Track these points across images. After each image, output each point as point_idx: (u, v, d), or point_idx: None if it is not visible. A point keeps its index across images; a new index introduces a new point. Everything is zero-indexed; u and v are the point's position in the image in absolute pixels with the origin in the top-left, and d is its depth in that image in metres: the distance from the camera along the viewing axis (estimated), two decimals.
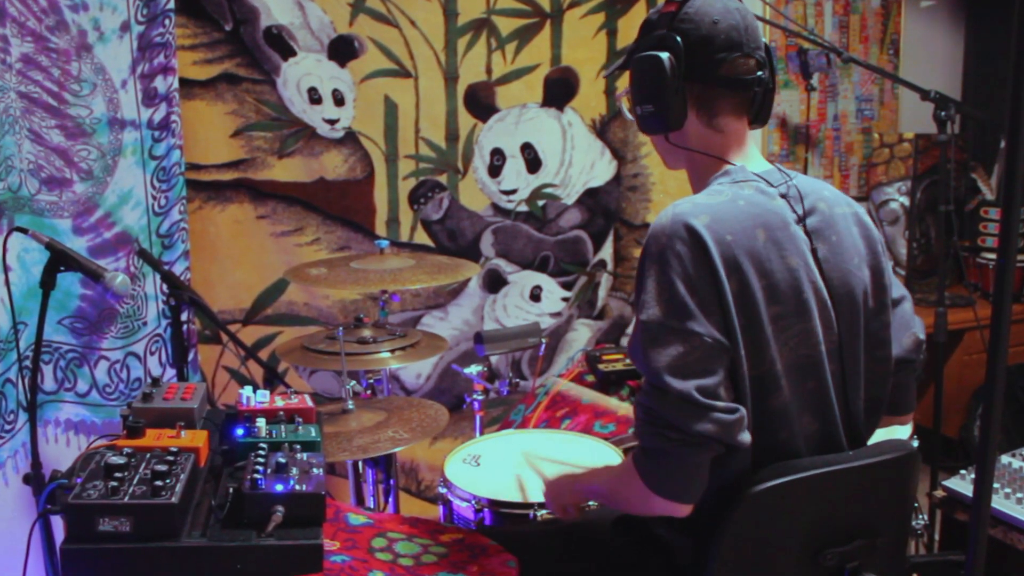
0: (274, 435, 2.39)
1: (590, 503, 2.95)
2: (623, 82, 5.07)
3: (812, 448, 2.34)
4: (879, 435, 2.56)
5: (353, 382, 3.66)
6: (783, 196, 2.39)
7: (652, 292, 2.20)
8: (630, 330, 5.25)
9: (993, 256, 5.82)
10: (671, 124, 2.42)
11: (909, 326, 2.63)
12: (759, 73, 2.44)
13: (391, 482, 3.86)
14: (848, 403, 2.42)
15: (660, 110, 2.41)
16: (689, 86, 2.41)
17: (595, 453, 3.45)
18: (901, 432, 2.67)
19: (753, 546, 2.29)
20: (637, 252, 5.29)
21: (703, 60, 2.39)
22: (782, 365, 2.26)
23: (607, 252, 5.30)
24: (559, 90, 5.03)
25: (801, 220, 2.38)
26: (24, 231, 3.04)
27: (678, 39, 2.37)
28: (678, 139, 2.49)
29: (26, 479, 3.06)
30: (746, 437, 2.20)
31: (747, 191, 2.35)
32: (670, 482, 2.22)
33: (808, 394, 2.33)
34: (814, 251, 2.36)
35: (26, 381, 3.43)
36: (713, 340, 2.17)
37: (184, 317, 3.40)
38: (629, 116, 2.71)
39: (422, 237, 4.87)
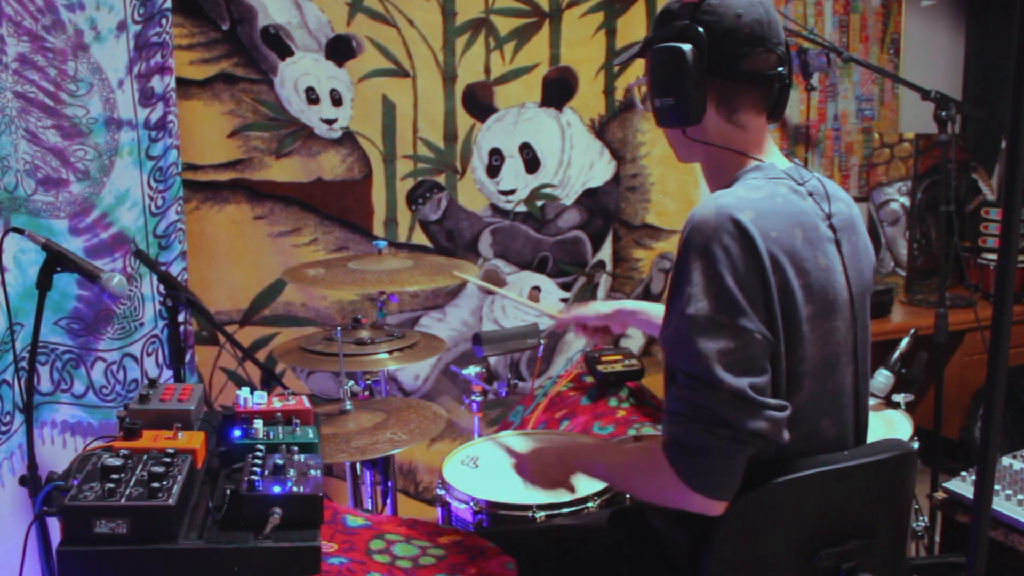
0: (271, 436, 2.38)
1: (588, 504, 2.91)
2: (622, 80, 5.07)
3: (822, 450, 2.34)
4: None
5: (351, 383, 3.66)
6: (810, 194, 2.40)
7: (699, 285, 2.16)
8: (629, 331, 5.25)
9: (994, 257, 5.83)
10: (690, 118, 2.40)
11: None
12: (780, 69, 2.43)
13: (389, 484, 3.86)
14: (859, 403, 2.42)
15: (680, 103, 2.38)
16: (710, 80, 2.38)
17: None
18: None
19: (749, 544, 2.29)
20: (636, 252, 5.29)
21: (726, 54, 2.36)
22: (807, 366, 2.26)
23: (606, 253, 5.30)
24: (558, 90, 5.03)
25: (828, 219, 2.38)
26: (20, 231, 3.04)
27: (701, 31, 2.35)
28: (695, 133, 2.46)
29: (22, 481, 3.06)
30: (787, 435, 2.20)
31: (782, 188, 2.34)
32: (713, 480, 2.18)
33: (828, 396, 2.33)
34: (839, 251, 2.37)
35: (22, 382, 3.42)
36: (763, 336, 2.16)
37: (181, 318, 3.40)
38: (640, 106, 2.70)
39: (420, 238, 4.87)
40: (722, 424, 2.13)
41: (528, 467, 2.75)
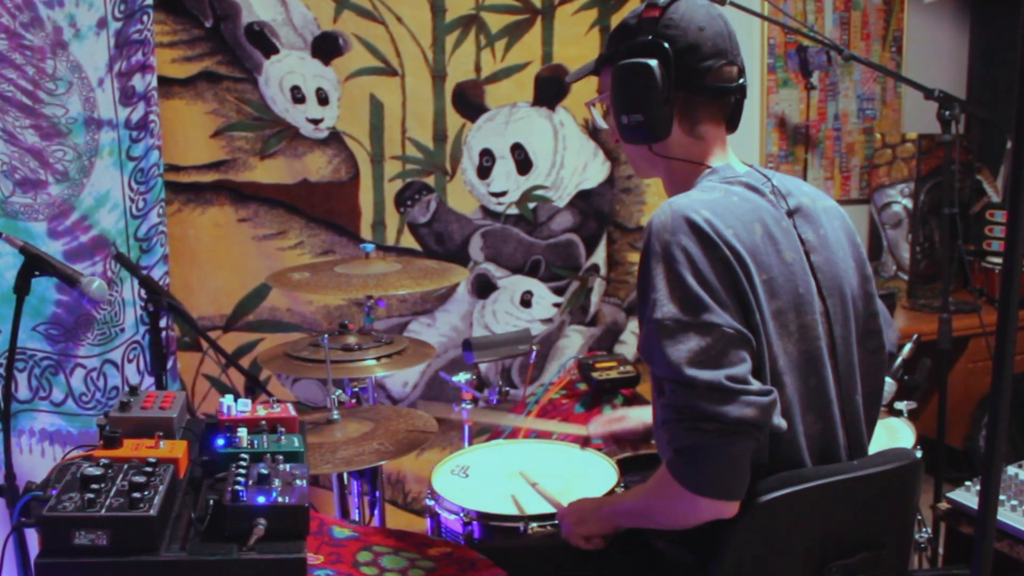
0: (256, 445, 2.38)
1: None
2: None
3: (814, 448, 2.35)
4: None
5: (338, 391, 3.66)
6: (769, 192, 2.42)
7: (663, 290, 2.20)
8: (624, 337, 5.26)
9: (999, 260, 5.83)
10: (659, 134, 2.44)
11: (890, 320, 2.65)
12: (740, 80, 2.48)
13: (377, 494, 3.86)
14: (844, 400, 2.43)
15: (649, 120, 2.41)
16: (675, 95, 2.42)
17: (587, 464, 3.45)
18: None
19: (755, 561, 2.30)
20: (631, 256, 5.29)
21: (690, 68, 2.41)
22: (785, 362, 2.28)
23: (600, 256, 5.30)
24: (550, 89, 5.03)
25: (790, 215, 2.41)
26: None
27: (666, 46, 2.38)
28: (660, 148, 2.49)
29: None
30: (782, 422, 2.21)
31: (737, 188, 2.39)
32: (713, 479, 2.19)
33: (810, 392, 2.34)
34: (804, 245, 2.39)
35: None
36: (734, 330, 2.17)
37: (163, 323, 3.40)
38: (603, 124, 2.71)
39: (409, 241, 4.87)
40: (706, 419, 2.14)
41: (567, 520, 2.78)
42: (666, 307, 2.18)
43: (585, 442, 3.38)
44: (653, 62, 2.36)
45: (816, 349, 2.35)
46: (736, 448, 2.16)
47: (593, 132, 5.15)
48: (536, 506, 3.12)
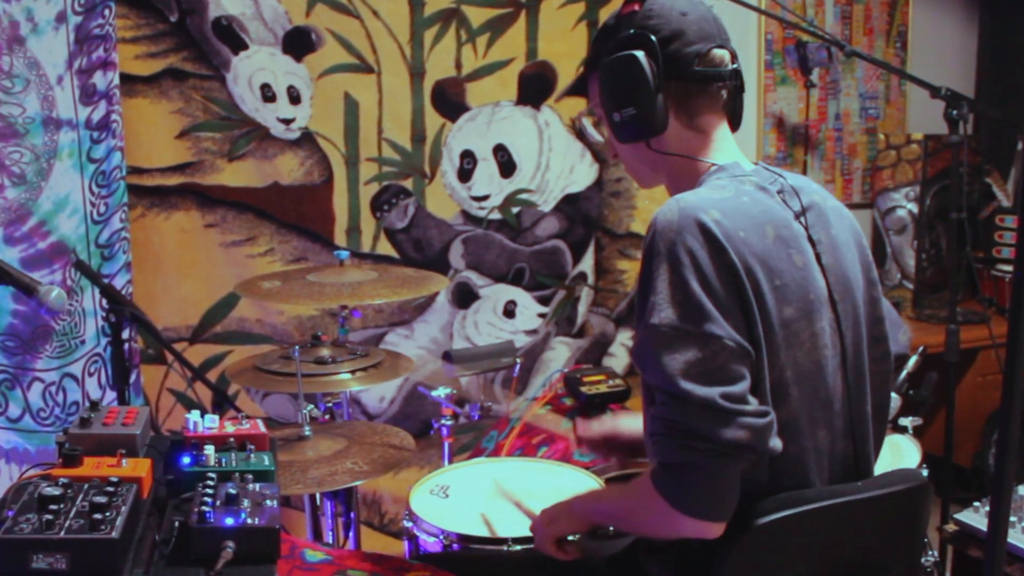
0: (224, 464, 2.38)
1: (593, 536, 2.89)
2: None
3: (822, 464, 2.35)
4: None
5: (310, 406, 3.65)
6: (779, 192, 2.42)
7: (664, 293, 2.18)
8: (613, 349, 5.26)
9: (1009, 268, 5.84)
10: (656, 126, 2.43)
11: (899, 322, 2.65)
12: (734, 65, 2.48)
13: (351, 515, 3.86)
14: (854, 412, 2.43)
15: (641, 112, 2.41)
16: (667, 84, 2.42)
17: (575, 483, 3.45)
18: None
19: None
20: (620, 264, 5.30)
21: (678, 54, 2.41)
22: (793, 373, 2.27)
23: (587, 264, 5.30)
24: (535, 87, 5.04)
25: (800, 216, 2.40)
26: None
27: (651, 37, 2.39)
28: (659, 144, 2.49)
29: None
30: (777, 443, 2.19)
31: (748, 187, 2.38)
32: (701, 499, 2.19)
33: (819, 404, 2.34)
34: (815, 247, 2.39)
35: None
36: (735, 344, 2.16)
37: (125, 335, 3.39)
38: (596, 136, 2.72)
39: (385, 247, 4.87)
40: (697, 437, 2.13)
41: (539, 524, 2.73)
42: (665, 312, 2.17)
43: (578, 442, 3.36)
44: (639, 53, 2.37)
45: (825, 358, 2.34)
46: (726, 469, 2.16)
47: (580, 133, 5.14)
48: (517, 528, 3.12)
